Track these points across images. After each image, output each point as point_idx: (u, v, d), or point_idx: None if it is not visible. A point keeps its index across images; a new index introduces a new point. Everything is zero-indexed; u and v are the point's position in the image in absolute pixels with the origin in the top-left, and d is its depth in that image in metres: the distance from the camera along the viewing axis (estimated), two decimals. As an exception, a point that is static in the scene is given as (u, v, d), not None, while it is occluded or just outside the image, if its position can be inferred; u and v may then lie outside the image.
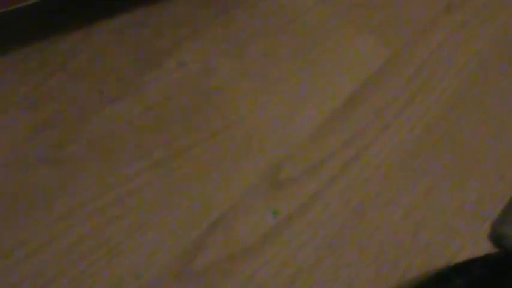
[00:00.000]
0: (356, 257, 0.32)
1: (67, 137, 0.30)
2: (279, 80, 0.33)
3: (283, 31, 0.33)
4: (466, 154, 0.33)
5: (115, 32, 0.33)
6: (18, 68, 0.31)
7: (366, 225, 0.32)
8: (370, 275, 0.32)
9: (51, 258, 0.26)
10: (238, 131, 0.31)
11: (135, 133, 0.30)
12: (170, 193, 0.29)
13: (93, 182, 0.28)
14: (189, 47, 0.33)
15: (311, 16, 0.34)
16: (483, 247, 0.30)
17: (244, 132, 0.31)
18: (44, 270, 0.26)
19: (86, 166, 0.29)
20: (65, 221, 0.27)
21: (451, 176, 0.33)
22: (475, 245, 0.31)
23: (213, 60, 0.33)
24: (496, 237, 0.31)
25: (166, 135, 0.30)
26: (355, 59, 0.34)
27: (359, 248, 0.32)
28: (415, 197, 0.33)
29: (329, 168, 0.32)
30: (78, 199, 0.28)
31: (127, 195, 0.28)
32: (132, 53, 0.33)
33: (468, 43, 0.36)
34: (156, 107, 0.31)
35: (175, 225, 0.28)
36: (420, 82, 0.34)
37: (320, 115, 0.33)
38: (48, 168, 0.29)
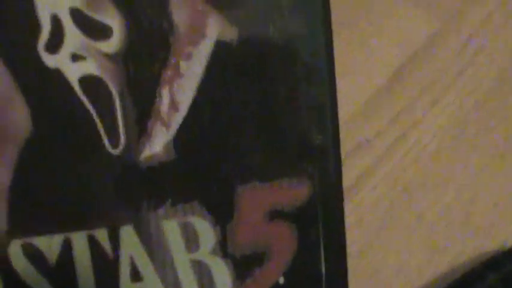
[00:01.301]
0: (405, 241, 0.31)
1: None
2: (321, 57, 0.31)
3: (325, 4, 0.31)
4: (519, 130, 0.31)
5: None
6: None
7: (414, 207, 0.31)
8: (420, 259, 0.31)
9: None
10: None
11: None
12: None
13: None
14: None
15: (353, -13, 0.32)
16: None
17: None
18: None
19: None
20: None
21: (503, 154, 0.32)
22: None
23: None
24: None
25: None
26: (401, 32, 0.32)
27: (408, 232, 0.31)
28: (466, 176, 0.32)
29: (375, 148, 0.31)
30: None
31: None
32: None
33: (521, 12, 0.34)
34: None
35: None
36: (469, 55, 0.32)
37: (365, 92, 0.31)
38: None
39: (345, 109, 0.32)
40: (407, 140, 0.32)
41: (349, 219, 0.30)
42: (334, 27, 0.31)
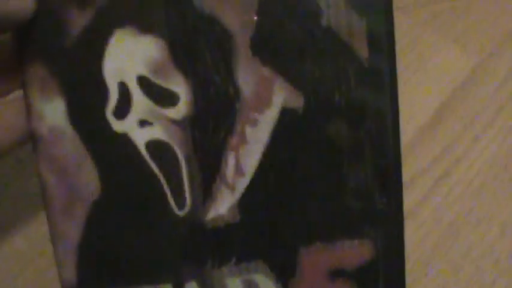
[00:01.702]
0: (450, 278, 0.31)
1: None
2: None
3: (365, 45, 0.32)
4: None
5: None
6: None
7: (460, 244, 0.31)
8: (468, 296, 0.31)
9: None
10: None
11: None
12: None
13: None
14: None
15: (393, 28, 0.32)
16: None
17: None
18: None
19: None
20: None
21: (548, 189, 0.32)
22: None
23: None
24: None
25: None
26: (440, 69, 0.32)
27: (454, 269, 0.31)
28: (510, 213, 0.32)
29: (420, 186, 0.31)
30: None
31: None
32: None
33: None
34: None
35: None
36: (509, 90, 0.33)
37: (408, 131, 0.31)
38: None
39: (389, 149, 0.32)
40: (451, 177, 0.32)
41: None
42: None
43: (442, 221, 0.31)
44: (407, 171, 0.32)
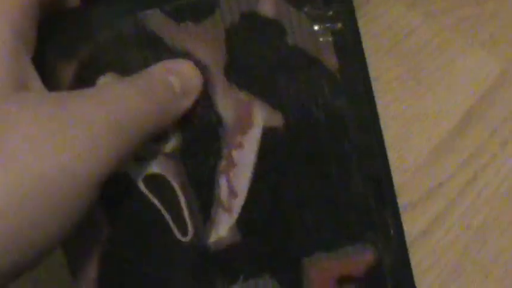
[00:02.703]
0: (481, 282, 0.31)
1: None
2: (391, 103, 0.32)
3: (392, 53, 0.32)
4: None
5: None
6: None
7: (489, 248, 0.31)
8: (497, 301, 0.31)
9: None
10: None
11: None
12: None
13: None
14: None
15: (419, 34, 0.33)
16: None
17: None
18: None
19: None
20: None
21: None
22: None
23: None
24: None
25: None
26: (468, 74, 0.32)
27: (483, 273, 0.31)
28: (538, 216, 0.32)
29: (448, 191, 0.31)
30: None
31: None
32: None
33: None
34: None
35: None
36: (537, 94, 0.33)
37: (436, 136, 0.32)
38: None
39: (417, 154, 0.32)
40: (479, 182, 0.32)
41: (424, 263, 0.31)
42: (402, 73, 0.32)
43: (471, 225, 0.32)
44: (435, 176, 0.32)
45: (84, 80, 0.24)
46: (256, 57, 0.25)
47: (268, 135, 0.25)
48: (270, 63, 0.25)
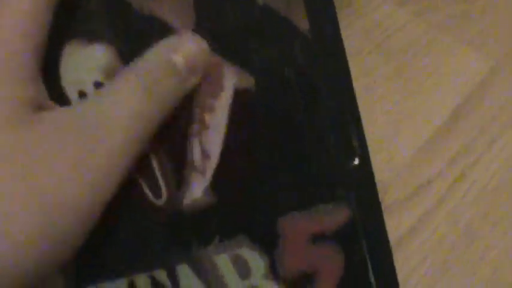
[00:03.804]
0: (469, 279, 0.31)
1: None
2: (379, 100, 0.32)
3: (380, 49, 0.32)
4: None
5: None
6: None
7: (477, 246, 0.31)
8: (485, 298, 0.31)
9: None
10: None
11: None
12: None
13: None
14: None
15: (407, 32, 0.33)
16: None
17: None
18: None
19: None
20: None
21: None
22: None
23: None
24: None
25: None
26: (456, 72, 0.32)
27: (471, 270, 0.31)
28: (527, 214, 0.31)
29: (436, 188, 0.31)
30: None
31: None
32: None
33: None
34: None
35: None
36: (525, 92, 0.33)
37: (424, 133, 0.32)
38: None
39: (405, 152, 0.32)
40: (467, 181, 0.32)
41: (411, 261, 0.31)
42: (390, 71, 0.32)
43: (459, 223, 0.32)
44: (423, 174, 0.32)
45: (50, 47, 0.23)
46: (225, 20, 0.24)
47: (240, 97, 0.24)
48: (240, 24, 0.24)
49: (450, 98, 0.33)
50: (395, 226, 0.31)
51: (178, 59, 0.22)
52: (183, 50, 0.23)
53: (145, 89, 0.21)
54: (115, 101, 0.21)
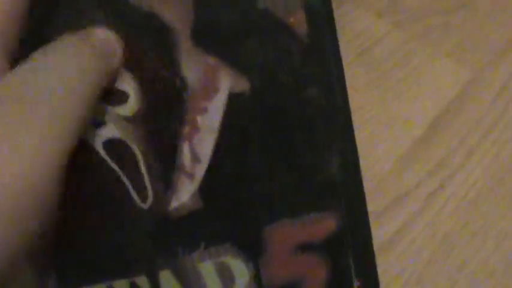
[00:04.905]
0: (447, 291, 0.31)
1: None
2: (358, 111, 0.32)
3: (360, 60, 0.32)
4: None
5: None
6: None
7: (455, 257, 0.31)
8: (463, 309, 0.31)
9: None
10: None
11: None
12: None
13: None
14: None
15: (387, 43, 0.33)
16: None
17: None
18: None
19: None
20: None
21: (543, 202, 0.32)
22: None
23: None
24: None
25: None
26: (435, 83, 0.32)
27: (449, 282, 0.31)
28: (505, 225, 0.32)
29: (414, 199, 0.31)
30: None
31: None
32: None
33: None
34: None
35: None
36: (503, 104, 0.33)
37: (403, 144, 0.32)
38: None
39: (384, 162, 0.32)
40: (445, 191, 0.32)
41: (390, 272, 0.31)
42: (370, 81, 0.32)
43: (437, 234, 0.31)
44: (402, 185, 0.32)
45: (40, 40, 0.22)
46: (224, 21, 0.24)
47: (234, 100, 0.24)
48: (238, 27, 0.24)
49: (429, 109, 0.33)
50: (374, 237, 0.31)
51: (92, 42, 0.22)
52: (93, 36, 0.22)
53: (92, 48, 0.21)
54: (60, 61, 0.20)
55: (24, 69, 0.20)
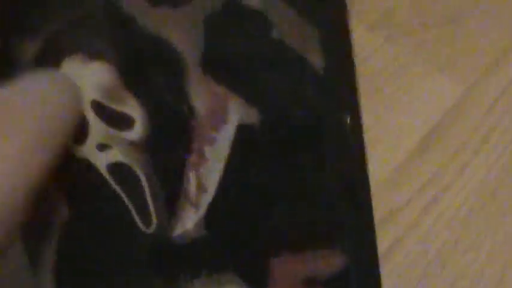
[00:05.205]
0: (440, 306, 0.30)
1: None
2: (350, 125, 0.32)
3: (352, 74, 0.32)
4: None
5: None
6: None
7: (447, 272, 0.31)
8: (456, 326, 0.31)
9: None
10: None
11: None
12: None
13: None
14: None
15: (379, 57, 0.33)
16: None
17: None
18: None
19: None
20: None
21: (536, 217, 0.31)
22: None
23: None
24: None
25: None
26: (427, 98, 0.32)
27: (442, 298, 0.30)
28: (498, 240, 0.31)
29: (407, 214, 0.31)
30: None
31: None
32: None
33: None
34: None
35: None
36: (496, 118, 0.33)
37: (395, 159, 0.31)
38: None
39: (376, 177, 0.32)
40: (439, 206, 0.32)
41: (383, 287, 0.30)
42: (361, 95, 0.31)
43: (430, 249, 0.31)
44: (394, 200, 0.32)
45: (47, 61, 0.23)
46: (236, 50, 0.24)
47: (243, 132, 0.24)
48: (251, 57, 0.24)
49: (422, 123, 0.33)
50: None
51: None
52: None
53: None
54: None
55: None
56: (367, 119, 0.33)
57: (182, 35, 0.23)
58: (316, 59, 0.24)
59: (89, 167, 0.24)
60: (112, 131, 0.23)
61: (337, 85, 0.24)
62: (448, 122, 0.33)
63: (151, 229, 0.24)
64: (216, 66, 0.23)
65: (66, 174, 0.23)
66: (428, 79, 0.34)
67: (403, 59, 0.34)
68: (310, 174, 0.24)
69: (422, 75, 0.34)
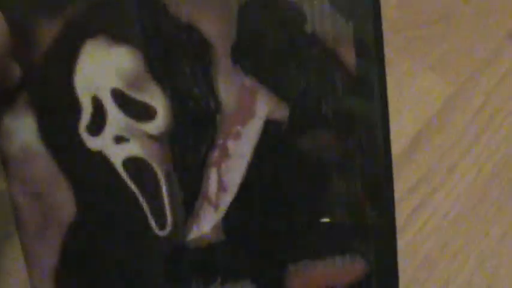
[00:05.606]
0: (428, 311, 0.30)
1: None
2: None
3: (339, 72, 0.31)
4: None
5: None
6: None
7: (436, 278, 0.30)
8: (445, 331, 0.30)
9: None
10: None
11: None
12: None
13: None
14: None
15: (367, 54, 0.32)
16: None
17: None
18: None
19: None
20: None
21: (525, 220, 0.31)
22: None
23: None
24: None
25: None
26: (416, 97, 0.32)
27: (431, 302, 0.30)
28: (487, 245, 0.31)
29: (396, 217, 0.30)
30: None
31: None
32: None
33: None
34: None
35: None
36: (486, 118, 0.32)
37: (382, 160, 0.30)
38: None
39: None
40: (427, 209, 0.31)
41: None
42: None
43: (418, 253, 0.31)
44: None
45: (69, 43, 0.21)
46: (268, 41, 0.22)
47: (270, 128, 0.22)
48: (282, 49, 0.22)
49: (410, 124, 0.32)
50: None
51: None
52: None
53: None
54: None
55: None
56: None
57: (214, 25, 0.22)
58: (348, 56, 0.23)
59: (103, 160, 0.22)
60: (131, 122, 0.21)
61: (368, 84, 0.23)
62: (438, 122, 0.33)
63: (166, 232, 0.22)
64: (247, 57, 0.22)
65: (77, 167, 0.21)
66: (418, 78, 0.33)
67: (392, 58, 0.33)
68: (335, 179, 0.23)
69: (412, 75, 0.33)
